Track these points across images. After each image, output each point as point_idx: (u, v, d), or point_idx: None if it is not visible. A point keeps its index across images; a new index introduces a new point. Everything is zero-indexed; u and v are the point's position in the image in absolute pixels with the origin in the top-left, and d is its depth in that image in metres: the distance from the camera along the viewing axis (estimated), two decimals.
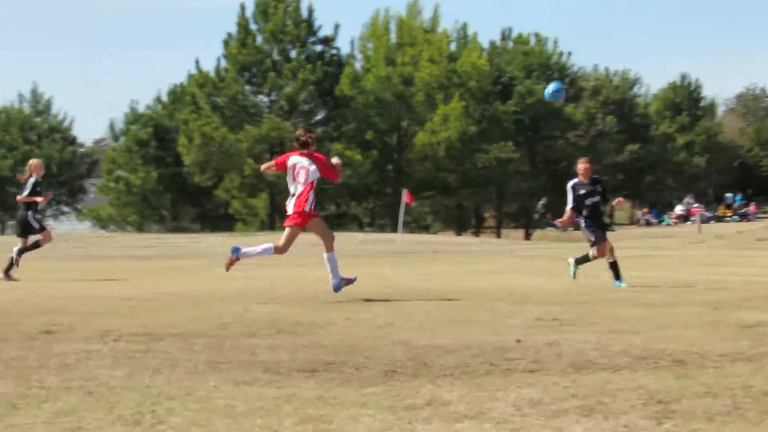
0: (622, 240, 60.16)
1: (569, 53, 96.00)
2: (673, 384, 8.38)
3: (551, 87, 19.32)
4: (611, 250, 19.71)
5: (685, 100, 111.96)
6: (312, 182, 16.09)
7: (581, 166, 20.12)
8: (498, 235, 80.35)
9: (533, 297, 17.19)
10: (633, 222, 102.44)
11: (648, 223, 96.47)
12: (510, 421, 7.09)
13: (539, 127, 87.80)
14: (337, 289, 16.41)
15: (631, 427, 6.84)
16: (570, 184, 20.16)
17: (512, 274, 23.73)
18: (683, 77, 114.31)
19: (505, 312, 14.58)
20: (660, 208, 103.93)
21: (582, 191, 19.84)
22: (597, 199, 19.89)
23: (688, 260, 29.95)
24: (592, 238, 19.84)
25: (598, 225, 19.91)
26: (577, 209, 19.85)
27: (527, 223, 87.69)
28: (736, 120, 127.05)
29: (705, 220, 79.25)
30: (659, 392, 8.00)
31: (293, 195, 16.15)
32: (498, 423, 7.04)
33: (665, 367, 9.38)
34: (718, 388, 8.10)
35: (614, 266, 19.73)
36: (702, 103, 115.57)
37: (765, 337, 11.34)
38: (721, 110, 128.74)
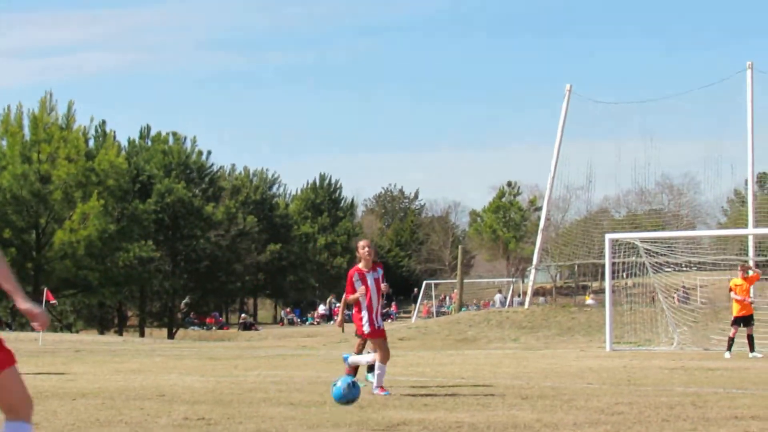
0: (267, 339, 60.66)
1: (209, 152, 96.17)
2: None
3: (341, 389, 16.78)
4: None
5: (325, 200, 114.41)
6: None
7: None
8: (141, 334, 79.50)
9: (181, 396, 17.18)
10: (277, 321, 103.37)
11: (291, 322, 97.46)
12: None
13: (180, 226, 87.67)
14: None
15: None
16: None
17: (160, 373, 23.60)
18: (322, 177, 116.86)
19: (152, 411, 14.55)
20: (303, 307, 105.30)
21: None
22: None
23: (333, 360, 30.47)
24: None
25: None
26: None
27: (170, 321, 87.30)
28: (375, 221, 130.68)
29: (348, 320, 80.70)
30: None
31: None
32: None
33: None
34: None
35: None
36: (342, 204, 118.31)
37: None
38: (360, 211, 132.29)
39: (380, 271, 17.52)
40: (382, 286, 17.62)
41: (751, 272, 32.25)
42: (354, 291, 17.33)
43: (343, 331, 43.95)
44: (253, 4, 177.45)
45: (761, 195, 71.72)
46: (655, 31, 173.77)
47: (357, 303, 17.42)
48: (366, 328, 17.37)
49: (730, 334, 31.45)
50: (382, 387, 17.22)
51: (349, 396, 14.53)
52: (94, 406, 15.36)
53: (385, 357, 17.38)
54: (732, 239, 55.76)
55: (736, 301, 31.31)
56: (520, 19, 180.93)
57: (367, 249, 17.47)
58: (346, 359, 18.98)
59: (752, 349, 30.95)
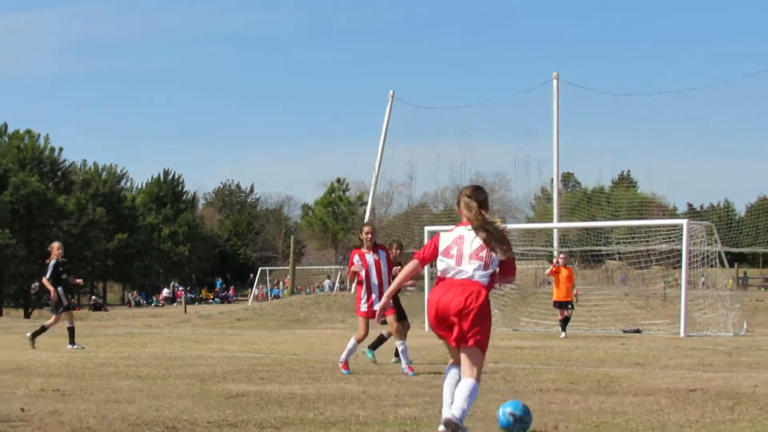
0: (116, 318, 59.69)
1: (60, 149, 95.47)
2: None
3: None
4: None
5: (169, 194, 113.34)
6: None
7: (394, 251, 18.98)
8: (0, 313, 77.74)
9: (38, 369, 16.92)
10: (125, 303, 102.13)
11: (138, 304, 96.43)
12: None
13: (34, 216, 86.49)
14: None
15: None
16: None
17: (17, 349, 23.10)
18: (166, 173, 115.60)
19: (11, 383, 14.29)
20: (148, 291, 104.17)
21: None
22: None
23: (176, 337, 30.21)
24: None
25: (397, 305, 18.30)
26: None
27: (26, 302, 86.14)
28: (215, 213, 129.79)
29: (189, 302, 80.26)
30: None
31: None
32: None
33: None
34: None
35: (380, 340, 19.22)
36: (184, 197, 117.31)
37: (248, 405, 11.69)
38: (201, 203, 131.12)
39: (382, 253, 17.07)
40: (394, 268, 17.23)
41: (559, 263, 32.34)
42: (352, 264, 17.08)
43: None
44: (100, 12, 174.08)
45: (565, 193, 73.21)
46: (473, 43, 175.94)
47: (359, 283, 17.00)
48: (363, 307, 16.91)
49: (559, 317, 31.70)
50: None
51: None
52: None
53: (399, 335, 16.98)
54: (539, 232, 56.80)
55: (557, 286, 31.64)
56: (352, 30, 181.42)
57: (368, 233, 17.11)
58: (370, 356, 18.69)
59: (563, 330, 31.32)
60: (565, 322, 31.49)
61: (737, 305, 35.12)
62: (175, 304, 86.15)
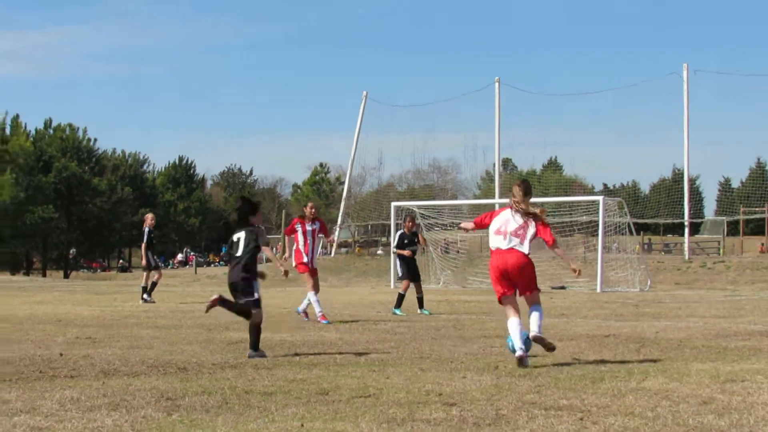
0: (139, 279, 59.35)
1: (95, 139, 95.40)
2: (178, 385, 8.45)
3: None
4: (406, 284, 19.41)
5: (183, 175, 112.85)
6: None
7: (407, 224, 19.97)
8: (44, 275, 77.34)
9: (74, 321, 16.81)
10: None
11: (157, 267, 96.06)
12: (56, 414, 6.95)
13: (73, 194, 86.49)
14: None
15: (148, 418, 6.86)
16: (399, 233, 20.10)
17: (57, 304, 22.94)
18: (181, 158, 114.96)
19: (52, 332, 14.18)
20: (166, 256, 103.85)
21: (406, 240, 19.68)
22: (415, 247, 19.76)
23: (188, 294, 30.11)
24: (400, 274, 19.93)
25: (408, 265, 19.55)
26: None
27: (66, 265, 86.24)
28: (221, 191, 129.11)
29: (199, 264, 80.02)
30: (168, 392, 8.05)
31: None
32: (46, 416, 6.89)
33: (172, 373, 9.44)
34: (212, 389, 8.25)
35: (401, 298, 19.42)
36: (195, 178, 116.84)
37: (245, 350, 11.46)
38: (209, 183, 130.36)
39: (317, 224, 17.38)
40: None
41: None
42: (292, 231, 17.39)
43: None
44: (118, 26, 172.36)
45: (505, 174, 73.32)
46: (431, 48, 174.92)
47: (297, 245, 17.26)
48: (305, 265, 17.08)
49: None
50: (323, 315, 16.85)
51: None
52: (6, 329, 14.85)
53: (316, 288, 17.05)
54: (484, 207, 56.91)
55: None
56: (327, 37, 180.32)
57: (312, 208, 17.56)
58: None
59: None
60: None
61: (643, 266, 35.27)
62: (188, 266, 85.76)
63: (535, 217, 10.24)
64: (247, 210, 11.38)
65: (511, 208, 10.40)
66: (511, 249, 10.12)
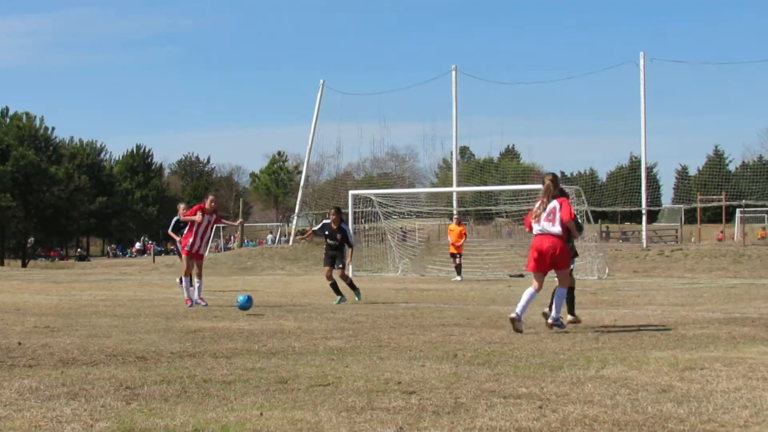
0: (96, 267, 58.95)
1: (53, 127, 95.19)
2: (137, 374, 8.38)
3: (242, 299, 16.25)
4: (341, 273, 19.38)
5: (141, 164, 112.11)
6: None
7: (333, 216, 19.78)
8: (2, 264, 76.41)
9: (32, 310, 16.69)
10: (104, 254, 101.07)
11: (115, 255, 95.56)
12: (14, 404, 6.88)
13: (30, 183, 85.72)
14: None
15: (107, 407, 6.80)
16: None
17: (15, 293, 22.69)
18: (138, 147, 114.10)
19: (10, 321, 14.04)
20: (124, 244, 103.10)
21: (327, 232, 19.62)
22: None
23: (146, 283, 29.88)
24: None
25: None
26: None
27: (23, 254, 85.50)
28: (178, 180, 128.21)
29: (157, 253, 79.59)
30: (127, 381, 7.98)
31: None
32: (5, 405, 6.82)
33: (131, 362, 9.36)
34: (171, 377, 8.19)
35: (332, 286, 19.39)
36: (153, 167, 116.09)
37: (204, 339, 11.56)
38: (167, 172, 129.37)
39: (213, 217, 18.28)
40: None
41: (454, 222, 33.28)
42: (193, 215, 18.14)
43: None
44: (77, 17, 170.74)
45: (462, 163, 73.50)
46: (386, 38, 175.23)
47: (189, 228, 18.22)
48: (188, 248, 18.14)
49: (453, 264, 32.27)
50: (202, 298, 18.06)
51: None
52: None
53: (200, 274, 18.18)
54: (441, 195, 57.18)
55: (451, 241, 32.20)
56: (288, 21, 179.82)
57: (212, 201, 18.40)
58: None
59: (458, 274, 31.64)
60: (458, 269, 31.92)
61: (601, 254, 35.47)
62: (146, 255, 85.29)
63: (561, 206, 12.29)
64: None
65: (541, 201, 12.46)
66: (546, 233, 12.33)
